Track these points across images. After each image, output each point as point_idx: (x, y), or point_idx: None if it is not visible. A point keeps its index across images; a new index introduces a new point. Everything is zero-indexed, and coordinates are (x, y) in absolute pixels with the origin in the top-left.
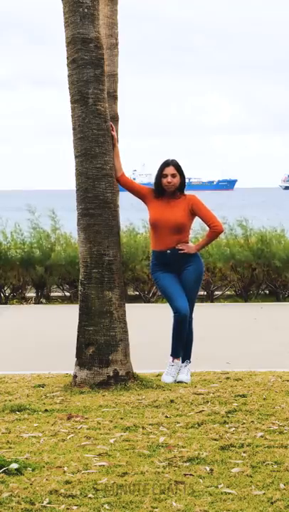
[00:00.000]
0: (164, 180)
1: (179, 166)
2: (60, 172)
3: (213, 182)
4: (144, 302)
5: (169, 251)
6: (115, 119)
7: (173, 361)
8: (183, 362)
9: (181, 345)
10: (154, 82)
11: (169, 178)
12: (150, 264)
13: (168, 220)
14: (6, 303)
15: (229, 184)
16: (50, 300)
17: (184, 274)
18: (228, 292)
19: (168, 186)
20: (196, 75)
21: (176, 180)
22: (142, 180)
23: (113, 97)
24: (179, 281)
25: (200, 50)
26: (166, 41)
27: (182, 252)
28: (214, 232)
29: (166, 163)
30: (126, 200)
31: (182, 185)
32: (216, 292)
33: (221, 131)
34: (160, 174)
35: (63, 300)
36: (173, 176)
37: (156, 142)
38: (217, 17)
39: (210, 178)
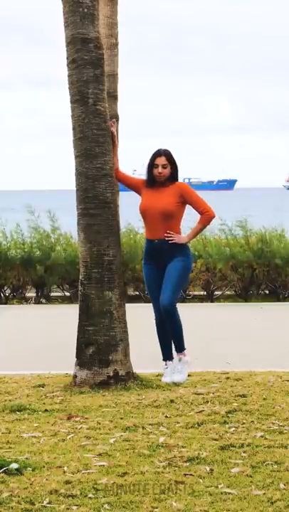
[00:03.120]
0: (155, 171)
1: (171, 156)
2: (60, 172)
3: (212, 182)
4: (144, 302)
5: (156, 241)
6: (115, 119)
7: (166, 364)
8: (177, 355)
9: (169, 347)
10: (153, 83)
11: (160, 169)
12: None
13: (155, 207)
14: (6, 303)
15: (229, 184)
16: (50, 300)
17: (170, 265)
18: (228, 292)
19: (158, 177)
20: (196, 75)
21: (167, 171)
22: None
23: (113, 97)
24: (161, 278)
25: (199, 50)
26: (166, 41)
27: (172, 242)
28: (206, 217)
29: (158, 153)
30: (126, 200)
31: (174, 175)
32: (216, 292)
33: (221, 132)
34: (152, 164)
35: (63, 300)
36: (164, 166)
37: (156, 142)
38: (217, 18)
39: (210, 178)
